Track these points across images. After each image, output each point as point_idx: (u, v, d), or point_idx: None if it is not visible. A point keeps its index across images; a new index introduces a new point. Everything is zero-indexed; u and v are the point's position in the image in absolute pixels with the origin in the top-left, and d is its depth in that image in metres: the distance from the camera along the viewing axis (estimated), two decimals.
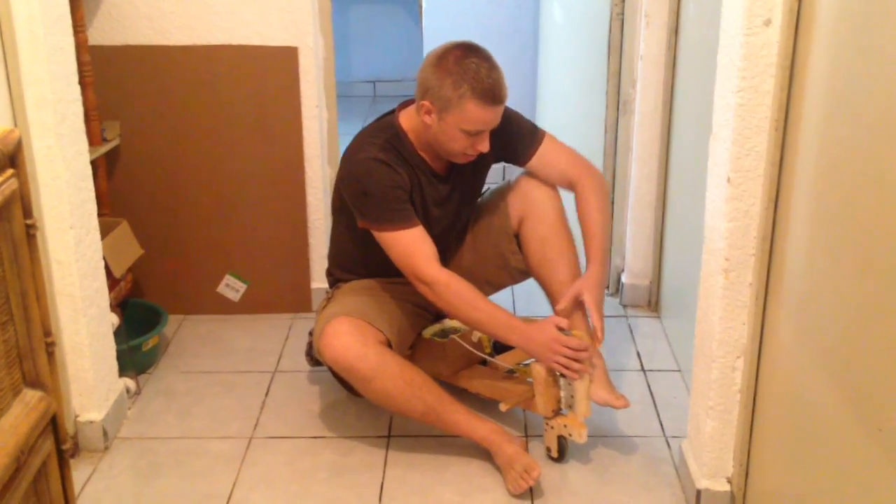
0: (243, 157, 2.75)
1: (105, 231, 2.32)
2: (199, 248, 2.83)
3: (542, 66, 3.97)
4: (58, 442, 0.91)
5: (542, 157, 2.25)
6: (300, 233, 2.82)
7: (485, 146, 2.08)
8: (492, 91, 2.00)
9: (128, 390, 2.40)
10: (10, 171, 0.87)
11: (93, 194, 2.16)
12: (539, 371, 2.09)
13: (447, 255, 2.31)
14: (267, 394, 2.49)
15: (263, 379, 2.56)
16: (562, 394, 2.13)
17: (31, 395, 0.88)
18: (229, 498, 2.08)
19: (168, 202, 2.78)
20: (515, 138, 2.24)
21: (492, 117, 2.05)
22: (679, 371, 2.56)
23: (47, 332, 0.87)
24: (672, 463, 2.18)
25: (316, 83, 2.69)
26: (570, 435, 2.12)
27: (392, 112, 2.19)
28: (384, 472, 2.17)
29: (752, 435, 1.89)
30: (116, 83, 2.65)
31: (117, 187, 2.74)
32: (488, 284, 2.35)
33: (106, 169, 2.68)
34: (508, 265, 2.32)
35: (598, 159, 2.92)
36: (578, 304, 2.18)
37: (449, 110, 2.02)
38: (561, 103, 3.64)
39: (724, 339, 1.85)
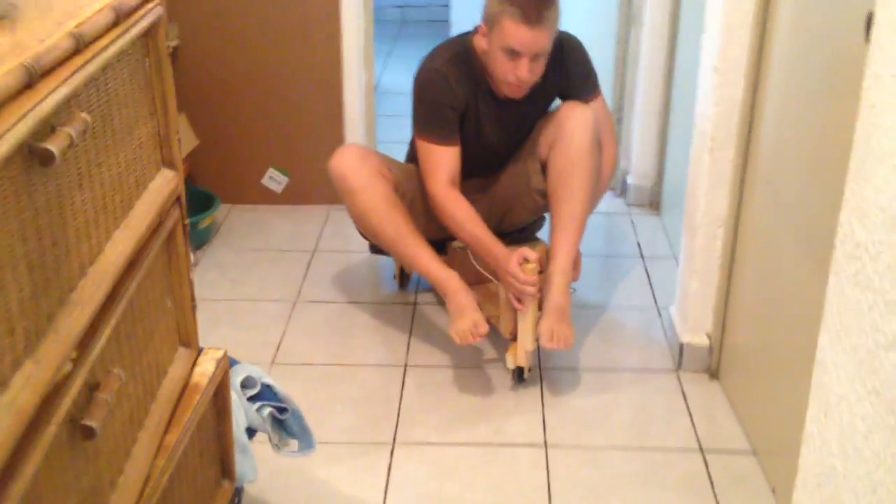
0: (288, 61, 3.04)
1: None
2: (246, 142, 3.15)
3: None
4: (182, 216, 1.21)
5: None
6: (337, 131, 3.12)
7: (522, 71, 2.11)
8: (527, 10, 2.03)
9: None
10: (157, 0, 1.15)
11: None
12: (502, 293, 2.25)
13: (489, 174, 2.44)
14: (308, 268, 2.82)
15: (304, 257, 2.89)
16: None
17: (167, 173, 1.18)
18: (279, 345, 2.42)
19: (219, 100, 3.09)
20: (576, 82, 2.32)
21: (527, 38, 2.06)
22: (674, 258, 2.86)
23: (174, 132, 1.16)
24: (661, 327, 2.50)
25: None
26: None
27: (469, 32, 2.29)
28: (411, 329, 2.50)
29: (729, 295, 2.21)
30: None
31: (175, 85, 3.03)
32: (524, 209, 2.42)
33: None
34: (530, 186, 2.34)
35: (608, 69, 3.19)
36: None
37: (493, 28, 2.10)
38: (573, 16, 3.87)
39: (708, 210, 2.15)
